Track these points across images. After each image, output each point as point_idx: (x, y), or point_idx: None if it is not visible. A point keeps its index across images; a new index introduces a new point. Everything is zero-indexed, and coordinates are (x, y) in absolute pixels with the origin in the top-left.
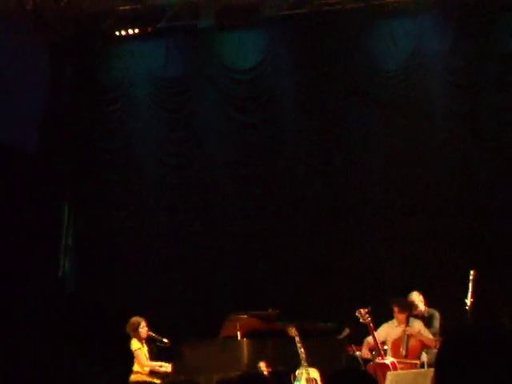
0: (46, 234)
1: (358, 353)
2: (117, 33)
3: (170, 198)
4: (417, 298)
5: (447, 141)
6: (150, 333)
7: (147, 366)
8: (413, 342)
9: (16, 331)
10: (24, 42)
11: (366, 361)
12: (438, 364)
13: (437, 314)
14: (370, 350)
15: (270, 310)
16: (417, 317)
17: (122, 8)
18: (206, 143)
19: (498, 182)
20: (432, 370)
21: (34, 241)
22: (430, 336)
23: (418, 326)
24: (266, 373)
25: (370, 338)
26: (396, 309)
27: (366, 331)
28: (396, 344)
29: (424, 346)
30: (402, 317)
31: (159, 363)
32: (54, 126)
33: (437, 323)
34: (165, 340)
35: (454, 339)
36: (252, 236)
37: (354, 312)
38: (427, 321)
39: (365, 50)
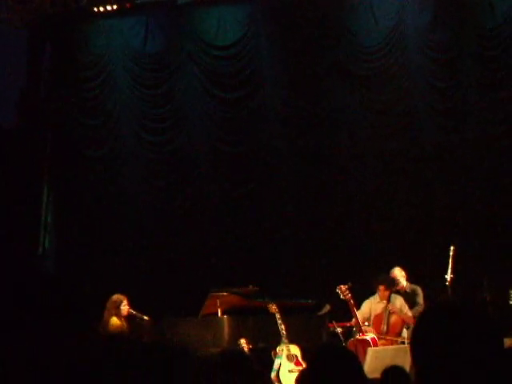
0: (25, 212)
1: (338, 329)
2: (95, 9)
3: (150, 175)
4: (399, 273)
5: (428, 116)
6: (131, 310)
7: None
8: (394, 319)
9: None
10: (1, 20)
11: (347, 337)
12: (413, 339)
13: (419, 290)
14: (348, 326)
15: (250, 287)
16: (398, 292)
17: None
18: (186, 120)
19: (478, 158)
20: None
21: (13, 218)
22: (410, 313)
23: (399, 302)
24: (246, 349)
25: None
26: (382, 287)
27: (346, 307)
28: (377, 320)
29: (404, 323)
30: (386, 294)
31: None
32: (33, 103)
33: (421, 300)
34: (145, 317)
35: (428, 314)
36: (232, 213)
37: (335, 288)
38: (409, 296)
39: (345, 25)
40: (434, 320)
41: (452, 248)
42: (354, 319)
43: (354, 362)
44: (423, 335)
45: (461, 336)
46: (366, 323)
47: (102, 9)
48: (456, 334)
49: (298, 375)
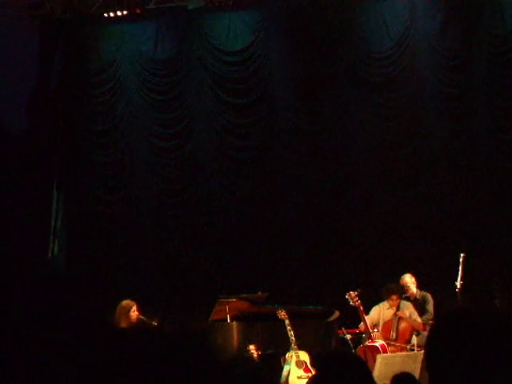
0: (34, 217)
1: (347, 335)
2: (106, 14)
3: (160, 180)
4: (409, 280)
5: (438, 122)
6: (141, 316)
7: None
8: (403, 325)
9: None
10: (13, 24)
11: (356, 343)
12: (428, 347)
13: (429, 298)
14: (358, 333)
15: (259, 293)
16: (408, 299)
17: None
18: (196, 125)
19: (488, 163)
20: (422, 352)
21: (22, 223)
22: (419, 320)
23: (408, 309)
24: (255, 356)
25: (368, 317)
26: (395, 297)
27: (355, 314)
28: (386, 327)
29: (414, 329)
30: (397, 302)
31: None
32: (43, 108)
33: (431, 307)
34: (154, 323)
35: (444, 322)
36: (241, 218)
37: (344, 295)
38: (419, 303)
39: (356, 31)
40: (449, 327)
41: (462, 255)
42: (363, 325)
43: (364, 369)
44: (438, 343)
45: (476, 343)
46: (376, 330)
47: (112, 14)
48: (471, 342)
49: (308, 382)
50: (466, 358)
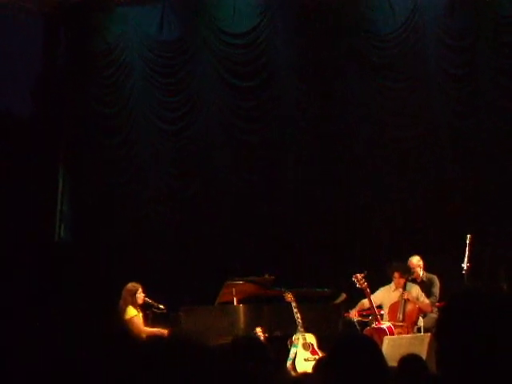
0: (40, 200)
1: (354, 318)
2: None
3: (166, 162)
4: (416, 262)
5: (444, 103)
6: (147, 299)
7: (144, 333)
8: (410, 307)
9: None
10: (18, 8)
11: (363, 326)
12: (439, 330)
13: (436, 280)
14: (365, 315)
15: (266, 276)
16: (415, 281)
17: None
18: (202, 107)
19: (494, 144)
20: (428, 334)
21: (29, 207)
22: (427, 301)
23: (415, 291)
24: (262, 338)
25: (365, 301)
26: (397, 274)
27: (362, 296)
28: (393, 308)
29: (421, 311)
30: (401, 282)
31: (156, 329)
32: (48, 91)
33: (437, 290)
34: (161, 306)
35: (453, 304)
36: (248, 201)
37: (351, 277)
38: (426, 286)
39: (361, 12)
40: (461, 307)
41: (469, 236)
42: (367, 303)
43: (376, 350)
44: (450, 325)
45: (487, 324)
46: (381, 311)
47: None
48: (482, 322)
49: (315, 364)
50: (476, 340)
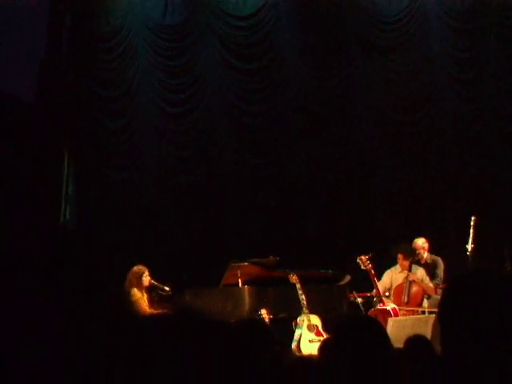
0: (45, 184)
1: (358, 299)
2: None
3: (170, 145)
4: (421, 244)
5: (448, 87)
6: (153, 281)
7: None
8: (415, 289)
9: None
10: None
11: (367, 307)
12: (442, 310)
13: (440, 262)
14: (368, 296)
15: (270, 258)
16: (419, 263)
17: None
18: (206, 90)
19: (498, 127)
20: (433, 316)
21: (34, 190)
22: (431, 284)
23: (420, 273)
24: (267, 320)
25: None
26: (401, 256)
27: (366, 278)
28: (398, 290)
29: (425, 293)
30: (405, 263)
31: (161, 312)
32: (52, 75)
33: (441, 272)
34: (166, 288)
35: (456, 285)
36: (252, 183)
37: (355, 258)
38: (430, 267)
39: None
40: (464, 287)
41: (473, 218)
42: (374, 289)
43: (381, 332)
44: (453, 302)
45: (490, 307)
46: (387, 294)
47: None
48: (485, 305)
49: (321, 345)
50: (479, 320)
